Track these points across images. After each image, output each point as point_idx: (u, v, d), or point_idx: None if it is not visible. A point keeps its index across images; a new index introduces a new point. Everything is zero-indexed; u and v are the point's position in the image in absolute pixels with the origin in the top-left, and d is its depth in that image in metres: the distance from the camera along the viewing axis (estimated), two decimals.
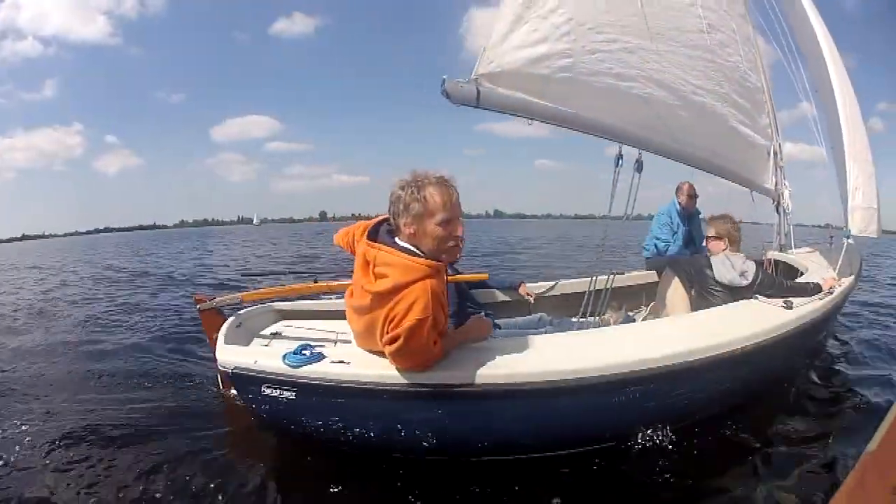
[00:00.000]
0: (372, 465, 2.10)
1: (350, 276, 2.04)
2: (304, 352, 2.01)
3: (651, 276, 4.18)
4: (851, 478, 1.03)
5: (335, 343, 2.48)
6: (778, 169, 4.24)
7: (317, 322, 3.02)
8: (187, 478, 2.10)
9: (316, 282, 3.18)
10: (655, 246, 4.46)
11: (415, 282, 1.75)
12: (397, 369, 1.88)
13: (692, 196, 4.44)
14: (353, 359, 1.99)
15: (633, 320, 3.61)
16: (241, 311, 2.88)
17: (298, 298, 3.17)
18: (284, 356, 2.01)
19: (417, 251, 1.84)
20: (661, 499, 2.00)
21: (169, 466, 2.19)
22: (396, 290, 1.75)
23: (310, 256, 14.92)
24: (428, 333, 1.77)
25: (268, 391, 2.02)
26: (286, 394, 1.99)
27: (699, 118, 3.17)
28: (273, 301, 3.13)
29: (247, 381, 2.06)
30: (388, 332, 1.77)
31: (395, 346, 1.76)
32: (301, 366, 1.96)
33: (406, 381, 1.87)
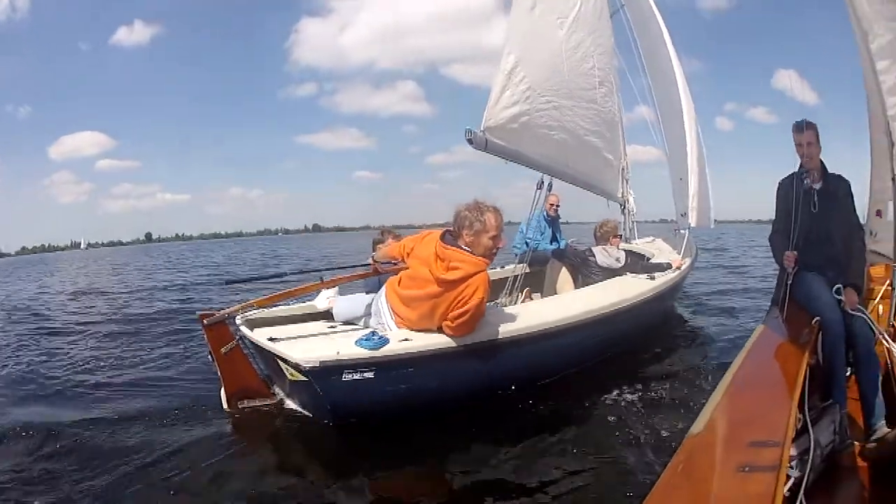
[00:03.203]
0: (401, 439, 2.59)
1: None
2: (373, 337, 2.60)
3: (522, 267, 4.92)
4: (677, 459, 1.13)
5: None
6: (624, 181, 5.82)
7: (293, 326, 3.13)
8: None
9: (322, 280, 3.49)
10: (526, 244, 5.21)
11: (478, 273, 2.61)
12: (449, 336, 2.67)
13: (556, 205, 5.53)
14: (411, 336, 2.69)
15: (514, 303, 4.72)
16: (238, 321, 3.04)
17: (303, 298, 3.55)
18: (357, 343, 2.56)
19: (472, 252, 2.68)
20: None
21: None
22: (466, 277, 2.58)
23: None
24: (483, 307, 2.66)
25: (348, 377, 2.47)
26: (366, 374, 2.49)
27: (585, 152, 4.47)
28: (272, 305, 3.35)
29: (330, 371, 2.44)
30: (458, 308, 2.58)
31: (463, 318, 2.59)
32: (379, 347, 2.55)
33: (456, 344, 2.68)
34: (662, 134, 5.83)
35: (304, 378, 2.48)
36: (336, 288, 3.58)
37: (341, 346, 2.58)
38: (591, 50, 4.11)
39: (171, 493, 2.21)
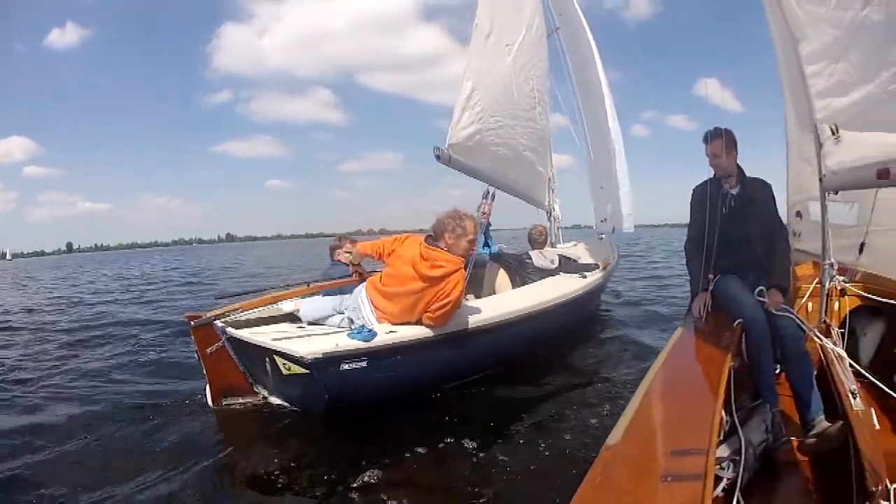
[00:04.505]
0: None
1: None
2: (364, 330, 2.90)
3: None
4: (594, 471, 1.10)
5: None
6: (551, 190, 6.49)
7: (269, 327, 3.33)
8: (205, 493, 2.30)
9: (309, 285, 3.79)
10: None
11: (457, 270, 3.02)
12: (428, 327, 3.04)
13: (488, 214, 6.20)
14: (394, 329, 3.03)
15: None
16: (219, 324, 3.11)
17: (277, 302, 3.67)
18: (350, 335, 2.84)
19: (452, 253, 3.08)
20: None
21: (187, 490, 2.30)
22: (447, 275, 2.99)
23: None
24: (461, 300, 3.07)
25: (346, 366, 2.74)
26: (361, 364, 2.79)
27: (523, 165, 5.05)
28: (264, 306, 3.52)
29: (330, 362, 2.69)
30: (440, 301, 2.96)
31: (444, 309, 2.97)
32: (371, 339, 2.85)
33: (435, 334, 3.06)
34: (588, 144, 6.59)
35: (305, 371, 2.68)
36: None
37: (336, 339, 2.83)
38: (531, 73, 4.69)
39: (162, 488, 2.30)
